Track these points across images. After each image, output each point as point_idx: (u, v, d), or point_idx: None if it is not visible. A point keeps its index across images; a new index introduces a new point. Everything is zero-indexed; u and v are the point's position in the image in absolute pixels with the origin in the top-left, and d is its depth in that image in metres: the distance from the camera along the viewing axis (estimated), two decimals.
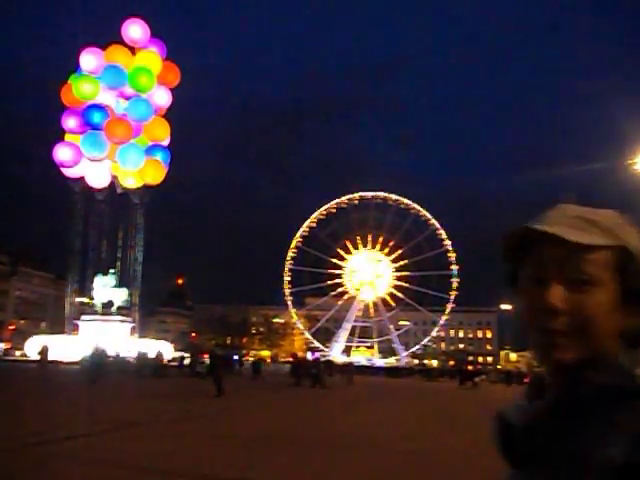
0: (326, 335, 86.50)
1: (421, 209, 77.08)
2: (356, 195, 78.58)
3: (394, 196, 77.58)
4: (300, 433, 10.88)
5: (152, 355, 31.76)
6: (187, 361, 36.71)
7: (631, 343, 0.75)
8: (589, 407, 0.70)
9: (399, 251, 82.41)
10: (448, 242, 76.92)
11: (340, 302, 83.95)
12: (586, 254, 0.73)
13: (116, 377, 25.58)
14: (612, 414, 0.67)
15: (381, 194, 77.89)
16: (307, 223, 79.64)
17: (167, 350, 40.40)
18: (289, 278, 79.49)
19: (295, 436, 10.32)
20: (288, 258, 79.37)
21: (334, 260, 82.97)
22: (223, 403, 16.86)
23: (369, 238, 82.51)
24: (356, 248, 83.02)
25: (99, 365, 23.91)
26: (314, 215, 79.70)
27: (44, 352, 29.21)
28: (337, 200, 78.96)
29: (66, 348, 36.31)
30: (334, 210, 79.56)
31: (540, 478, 0.71)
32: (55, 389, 18.93)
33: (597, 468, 0.64)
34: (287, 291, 79.81)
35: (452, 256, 76.74)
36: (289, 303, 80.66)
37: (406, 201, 77.24)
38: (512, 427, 0.77)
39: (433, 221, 76.97)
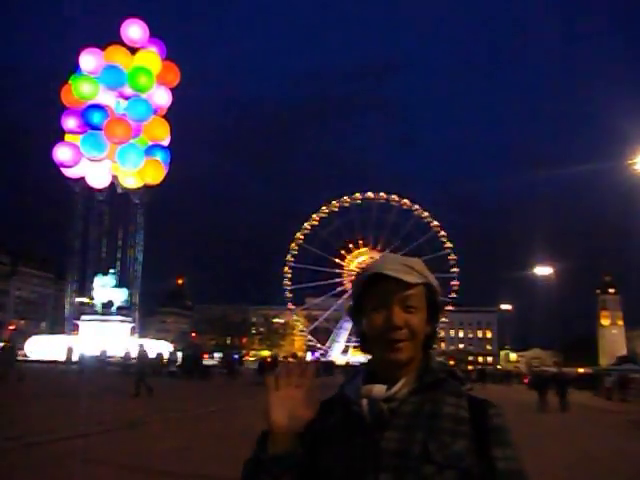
0: (327, 335, 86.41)
1: (423, 211, 76.87)
2: (358, 195, 78.37)
3: (396, 197, 77.40)
4: None
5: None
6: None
7: (426, 345, 1.20)
8: (435, 385, 1.15)
9: (400, 252, 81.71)
10: (449, 244, 76.64)
11: (340, 301, 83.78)
12: (412, 289, 1.15)
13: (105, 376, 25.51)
14: (446, 388, 1.16)
15: (383, 195, 77.65)
16: (309, 221, 79.33)
17: (166, 350, 40.31)
18: (289, 275, 79.20)
19: None
20: (289, 256, 79.06)
21: (335, 259, 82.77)
22: (215, 404, 16.82)
23: (370, 238, 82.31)
24: (357, 248, 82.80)
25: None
26: (317, 213, 79.38)
27: (10, 350, 28.07)
28: (340, 199, 78.72)
29: (65, 348, 36.30)
30: (336, 209, 79.25)
31: (406, 434, 1.08)
32: (53, 389, 18.92)
33: (449, 417, 1.10)
34: (287, 287, 79.47)
35: (453, 258, 76.57)
36: (288, 297, 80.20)
37: (408, 202, 77.05)
38: (372, 400, 1.12)
39: (435, 223, 76.74)
